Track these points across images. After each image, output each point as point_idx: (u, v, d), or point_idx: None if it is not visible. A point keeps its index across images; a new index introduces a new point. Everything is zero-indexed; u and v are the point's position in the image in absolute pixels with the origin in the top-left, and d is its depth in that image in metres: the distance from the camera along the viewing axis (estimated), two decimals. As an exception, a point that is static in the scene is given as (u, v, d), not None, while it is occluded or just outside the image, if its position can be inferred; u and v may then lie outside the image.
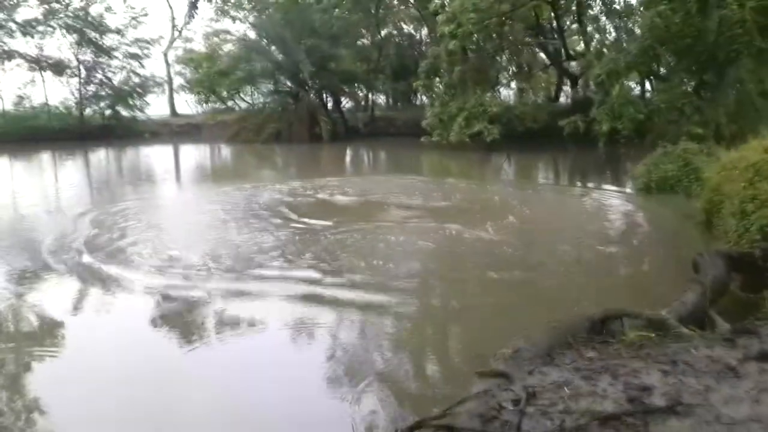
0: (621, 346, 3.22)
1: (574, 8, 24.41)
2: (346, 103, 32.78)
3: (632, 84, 20.11)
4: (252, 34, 32.19)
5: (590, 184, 13.27)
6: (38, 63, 30.22)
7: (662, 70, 18.51)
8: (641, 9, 19.29)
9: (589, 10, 25.93)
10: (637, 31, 18.74)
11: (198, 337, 4.70)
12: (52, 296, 5.72)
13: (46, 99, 31.04)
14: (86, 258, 6.80)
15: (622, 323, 3.46)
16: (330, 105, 30.96)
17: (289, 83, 28.61)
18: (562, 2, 23.22)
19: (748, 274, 5.08)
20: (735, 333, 3.38)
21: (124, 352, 4.41)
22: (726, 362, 2.90)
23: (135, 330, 4.88)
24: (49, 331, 4.95)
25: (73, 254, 6.98)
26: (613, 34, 25.68)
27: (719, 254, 5.05)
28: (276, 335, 4.78)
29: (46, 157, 23.32)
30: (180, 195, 13.68)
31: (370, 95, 33.28)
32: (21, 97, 30.74)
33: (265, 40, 29.72)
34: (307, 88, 27.91)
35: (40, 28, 29.39)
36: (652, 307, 3.87)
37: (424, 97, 28.98)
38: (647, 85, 23.04)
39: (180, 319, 5.02)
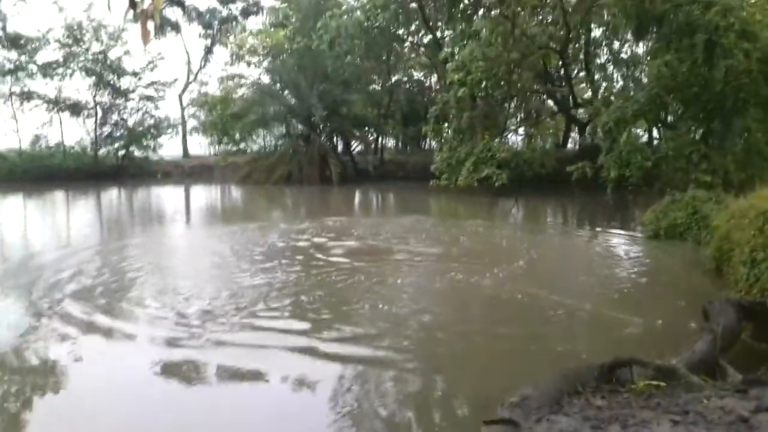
0: (630, 394, 3.17)
1: (581, 57, 24.91)
2: (357, 146, 33.24)
3: (640, 131, 20.31)
4: (266, 79, 32.98)
5: (598, 230, 13.24)
6: (56, 104, 31.00)
7: (670, 118, 18.72)
8: (648, 58, 19.66)
9: (597, 59, 26.51)
10: (644, 79, 19.06)
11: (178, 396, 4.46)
12: (49, 342, 5.52)
13: (62, 139, 31.71)
14: (86, 301, 6.69)
15: (632, 371, 3.42)
16: (340, 148, 31.40)
17: (300, 126, 29.10)
18: (570, 51, 23.67)
19: (759, 323, 5.02)
20: (747, 383, 3.32)
21: (116, 405, 4.28)
22: (738, 413, 2.84)
23: (126, 384, 4.66)
24: (39, 377, 4.79)
25: (73, 297, 6.84)
26: (621, 82, 26.25)
27: (730, 302, 5.00)
28: (275, 391, 4.57)
29: (59, 196, 23.62)
30: (188, 235, 13.76)
31: (380, 139, 33.75)
32: (38, 137, 31.44)
33: (278, 85, 30.42)
34: (318, 131, 28.38)
35: (60, 70, 30.27)
36: (662, 355, 3.82)
37: (433, 142, 29.35)
38: (655, 133, 23.28)
39: (173, 372, 4.82)
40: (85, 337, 5.59)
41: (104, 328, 5.85)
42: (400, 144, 37.30)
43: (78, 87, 31.54)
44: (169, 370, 4.83)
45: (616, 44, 26.12)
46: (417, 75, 35.12)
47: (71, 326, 5.84)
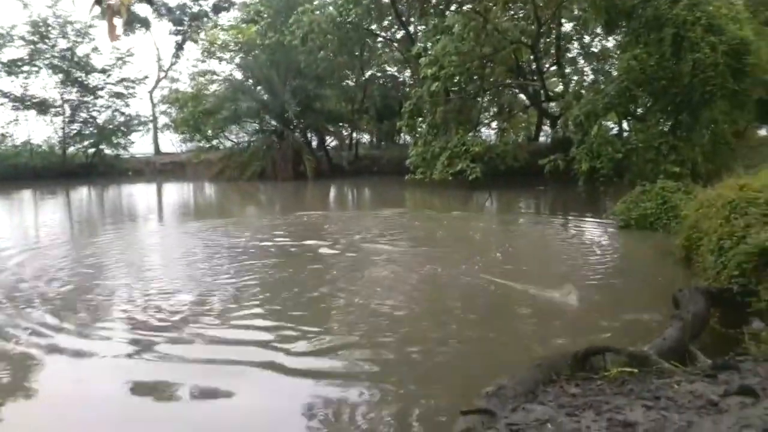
0: (604, 381, 3.21)
1: (552, 51, 25.16)
2: (331, 141, 33.11)
3: (610, 124, 20.57)
4: (238, 75, 32.63)
5: (571, 222, 13.41)
6: (22, 102, 30.27)
7: (639, 110, 19.00)
8: (617, 52, 19.93)
9: (568, 53, 26.79)
10: (614, 73, 19.31)
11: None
12: (9, 346, 5.31)
13: (29, 137, 31.01)
14: (47, 305, 6.52)
15: (605, 359, 3.47)
16: (315, 143, 31.25)
17: (274, 122, 28.87)
18: (541, 45, 23.87)
19: (727, 309, 5.15)
20: (716, 368, 3.39)
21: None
22: (708, 397, 2.90)
23: (84, 397, 4.43)
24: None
25: (34, 302, 6.66)
26: (591, 76, 26.58)
27: (699, 290, 5.11)
28: (243, 407, 4.25)
29: (27, 195, 23.09)
30: (159, 233, 13.52)
31: (354, 134, 33.66)
32: (3, 136, 30.70)
33: (250, 81, 30.12)
34: (292, 127, 28.18)
35: (26, 67, 29.56)
36: (634, 342, 3.89)
37: (407, 137, 29.37)
38: (625, 125, 23.60)
39: (136, 384, 4.52)
40: (43, 345, 5.28)
41: (65, 336, 5.54)
42: (374, 139, 37.25)
43: (45, 84, 30.91)
44: (132, 382, 4.53)
45: (587, 38, 26.46)
46: (391, 70, 35.07)
47: (31, 332, 5.62)
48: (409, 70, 31.35)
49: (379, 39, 30.64)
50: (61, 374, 4.85)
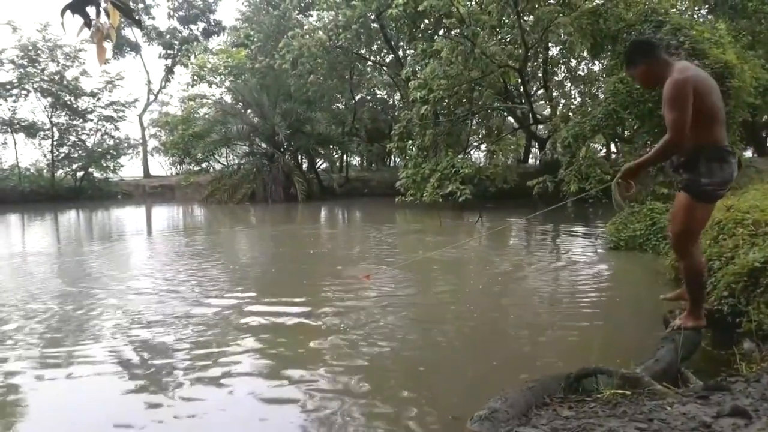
0: (597, 404, 3.19)
1: (540, 75, 25.51)
2: (321, 164, 33.27)
3: (598, 146, 20.79)
4: (228, 98, 32.83)
5: (560, 243, 13.46)
6: (10, 125, 30.23)
7: (626, 132, 19.23)
8: (604, 76, 20.23)
9: (555, 77, 27.17)
10: (601, 96, 19.58)
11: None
12: None
13: (17, 161, 30.93)
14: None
15: (597, 381, 3.45)
16: (305, 166, 31.39)
17: (264, 145, 29.00)
18: (529, 69, 24.20)
19: (717, 330, 5.16)
20: (708, 389, 3.39)
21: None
22: (701, 419, 2.89)
23: None
24: None
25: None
26: (578, 99, 27.00)
27: (689, 311, 5.10)
28: None
29: (13, 218, 22.86)
30: (142, 255, 13.36)
31: (344, 157, 33.83)
32: (-9, 159, 30.64)
33: (241, 104, 30.30)
34: (282, 149, 28.30)
35: (14, 91, 29.58)
36: (626, 364, 3.88)
37: (397, 159, 29.57)
38: (612, 147, 23.84)
39: None
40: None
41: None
42: (365, 161, 37.50)
43: (33, 108, 30.98)
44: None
45: (573, 62, 26.90)
46: (380, 93, 35.47)
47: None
48: (398, 94, 31.67)
49: (369, 63, 30.99)
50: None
